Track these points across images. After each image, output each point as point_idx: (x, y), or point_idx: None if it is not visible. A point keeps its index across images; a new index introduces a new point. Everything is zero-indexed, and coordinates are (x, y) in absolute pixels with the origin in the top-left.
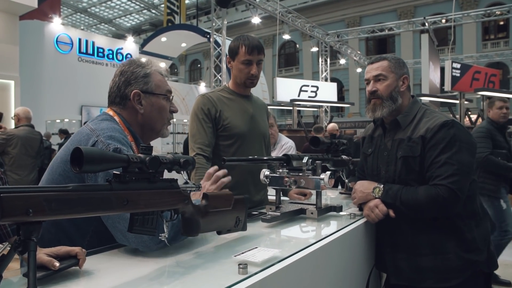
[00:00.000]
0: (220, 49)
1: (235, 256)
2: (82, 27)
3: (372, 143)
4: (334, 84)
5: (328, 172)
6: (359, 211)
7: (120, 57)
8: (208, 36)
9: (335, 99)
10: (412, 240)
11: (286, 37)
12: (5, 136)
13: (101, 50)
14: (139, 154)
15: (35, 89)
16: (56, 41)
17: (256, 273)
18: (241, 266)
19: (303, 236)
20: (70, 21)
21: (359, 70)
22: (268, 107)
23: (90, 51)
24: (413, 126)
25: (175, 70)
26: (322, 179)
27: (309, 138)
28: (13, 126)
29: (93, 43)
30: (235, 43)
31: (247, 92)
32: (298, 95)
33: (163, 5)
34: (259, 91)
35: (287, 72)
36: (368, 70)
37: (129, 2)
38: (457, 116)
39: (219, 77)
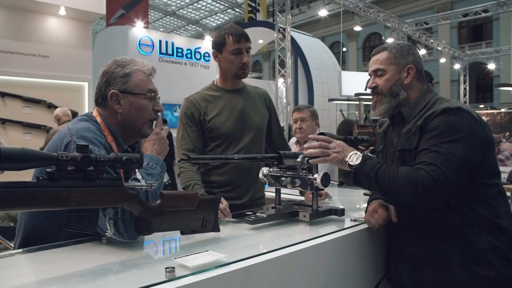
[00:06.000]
0: (284, 44)
1: (175, 258)
2: (171, 29)
3: (384, 139)
4: None
5: (322, 172)
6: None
7: (198, 56)
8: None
9: None
10: (413, 249)
11: (357, 28)
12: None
13: (180, 50)
14: (73, 153)
15: None
16: (139, 43)
17: (182, 277)
18: (167, 269)
19: (278, 240)
20: (160, 24)
21: (442, 60)
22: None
23: (170, 51)
24: (417, 118)
25: (259, 67)
26: (315, 179)
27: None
28: None
29: (172, 43)
30: (220, 34)
31: (237, 85)
32: (365, 89)
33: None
34: (335, 86)
35: None
36: (370, 63)
37: (214, 3)
38: None
39: (284, 72)
